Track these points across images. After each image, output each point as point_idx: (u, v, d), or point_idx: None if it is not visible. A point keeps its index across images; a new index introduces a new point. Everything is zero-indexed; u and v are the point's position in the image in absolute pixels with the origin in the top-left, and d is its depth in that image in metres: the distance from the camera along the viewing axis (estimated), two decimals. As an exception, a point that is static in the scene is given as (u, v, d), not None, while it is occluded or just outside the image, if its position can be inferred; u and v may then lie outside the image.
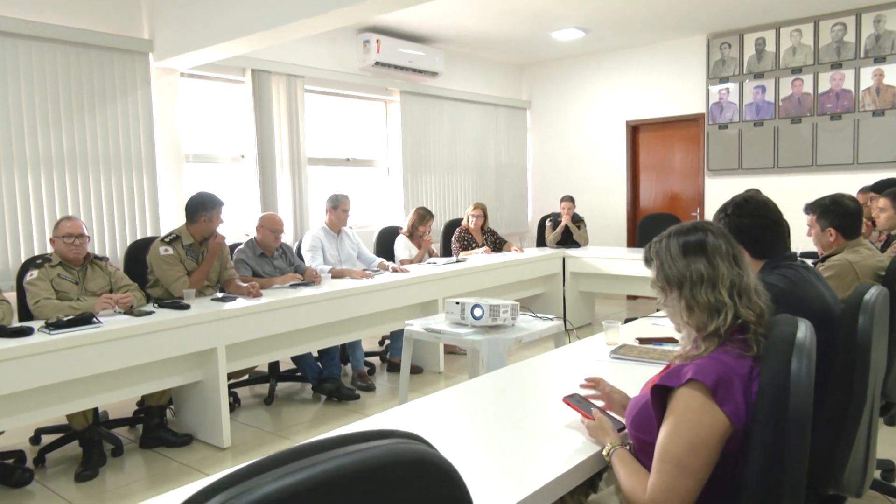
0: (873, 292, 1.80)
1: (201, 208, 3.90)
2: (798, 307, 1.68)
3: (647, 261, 1.50)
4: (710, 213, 7.13)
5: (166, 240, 3.83)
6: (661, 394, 1.35)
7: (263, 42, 4.52)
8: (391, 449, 0.69)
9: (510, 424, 1.74)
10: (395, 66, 6.50)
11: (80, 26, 4.47)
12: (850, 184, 5.81)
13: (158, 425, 3.61)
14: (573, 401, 1.71)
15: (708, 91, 7.07)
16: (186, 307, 3.49)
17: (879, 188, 4.31)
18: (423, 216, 5.52)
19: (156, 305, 3.54)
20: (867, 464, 1.91)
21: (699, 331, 1.39)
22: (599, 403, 1.72)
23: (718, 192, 7.09)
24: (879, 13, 6.04)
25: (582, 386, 1.78)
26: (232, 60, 5.24)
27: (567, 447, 1.54)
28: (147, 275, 3.86)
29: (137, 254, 4.04)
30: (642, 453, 1.42)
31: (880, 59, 6.08)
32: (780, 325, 1.32)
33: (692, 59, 7.16)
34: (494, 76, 8.14)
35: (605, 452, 1.47)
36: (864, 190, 4.72)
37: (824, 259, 2.77)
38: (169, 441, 3.57)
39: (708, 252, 1.40)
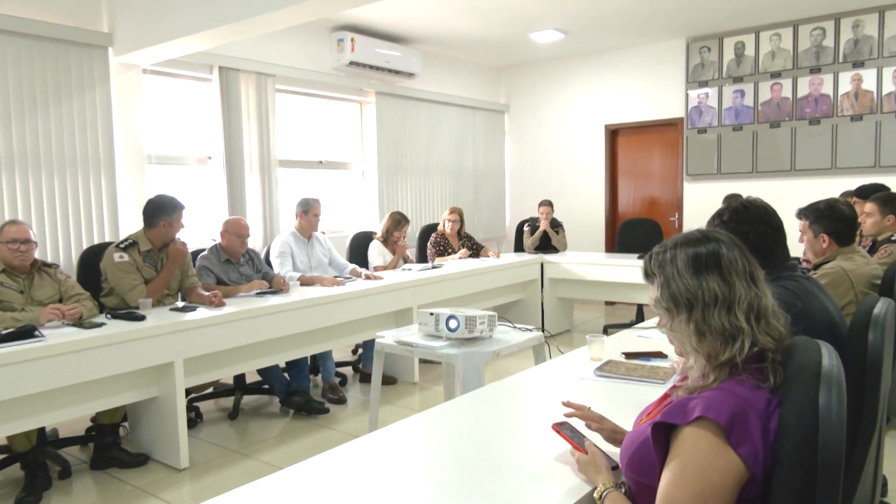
0: (882, 306, 1.66)
1: (161, 212, 3.66)
2: (802, 322, 1.53)
3: (648, 275, 1.29)
4: (688, 217, 7.05)
5: (122, 245, 3.59)
6: (664, 431, 1.17)
7: (229, 37, 4.30)
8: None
9: (489, 459, 1.55)
10: (371, 67, 6.31)
11: (33, 17, 4.21)
12: (828, 188, 5.75)
13: (111, 444, 3.36)
14: (564, 430, 1.51)
15: (687, 95, 6.99)
16: (142, 318, 3.25)
17: (863, 193, 4.23)
18: (399, 221, 5.33)
19: (109, 316, 3.30)
20: (875, 481, 1.77)
21: (710, 359, 1.19)
22: (589, 432, 1.53)
23: (697, 197, 7.01)
24: (858, 18, 6.00)
25: (566, 405, 1.58)
26: (198, 57, 5.00)
27: (555, 488, 1.35)
28: (101, 283, 3.61)
29: (93, 260, 3.78)
30: (640, 497, 1.23)
31: (859, 64, 6.04)
32: (801, 352, 1.14)
33: (671, 63, 7.08)
34: (472, 78, 7.98)
35: (596, 495, 1.28)
36: (846, 194, 4.65)
37: (817, 266, 2.64)
38: (122, 461, 3.32)
39: (723, 268, 1.21)
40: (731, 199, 5.74)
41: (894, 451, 3.20)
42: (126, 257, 3.56)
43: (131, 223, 4.67)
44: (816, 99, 6.28)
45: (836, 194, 4.62)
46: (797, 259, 3.87)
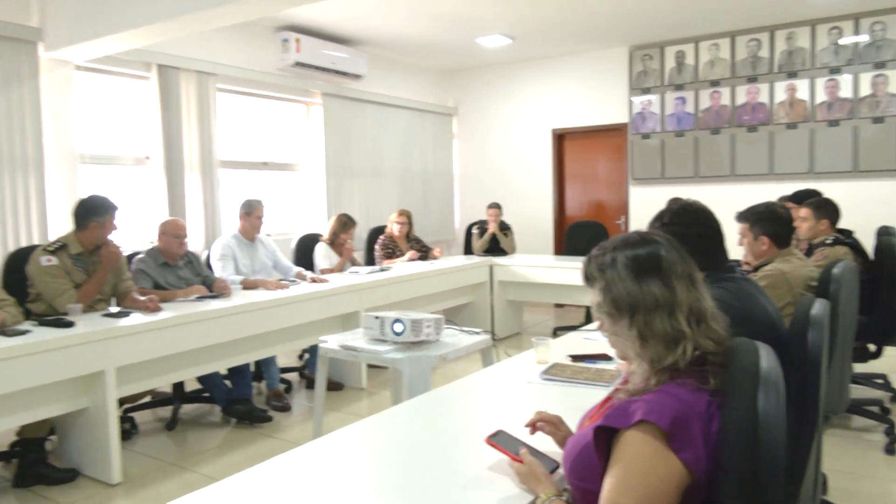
0: (819, 307, 1.69)
1: (92, 213, 3.49)
2: (743, 324, 1.54)
3: (589, 279, 1.26)
4: (634, 221, 7.18)
5: (50, 249, 3.40)
6: (605, 435, 1.14)
7: (167, 34, 4.15)
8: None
9: (430, 466, 1.51)
10: (317, 68, 6.20)
11: (-47, 8, 3.97)
12: (766, 193, 5.92)
13: (37, 460, 3.17)
14: (498, 441, 1.46)
15: (631, 101, 7.12)
16: (70, 324, 3.08)
17: (798, 198, 4.37)
18: (345, 223, 5.24)
19: (35, 323, 3.11)
20: (816, 479, 1.80)
21: (653, 364, 1.17)
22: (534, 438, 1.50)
23: (642, 201, 7.15)
24: (791, 30, 6.23)
25: (530, 424, 1.52)
26: (135, 54, 4.81)
27: (497, 496, 1.32)
28: (28, 288, 3.42)
29: (19, 264, 3.57)
30: (584, 503, 1.20)
31: (792, 75, 6.27)
32: (740, 354, 1.13)
33: (616, 70, 7.21)
34: (420, 81, 7.95)
35: (536, 504, 1.25)
36: (783, 199, 4.79)
37: (757, 269, 2.70)
38: (49, 478, 3.14)
39: (664, 271, 1.19)
40: (674, 203, 5.82)
41: (832, 450, 3.31)
42: (54, 261, 3.38)
43: (62, 225, 4.45)
44: (754, 107, 6.49)
45: (773, 199, 4.76)
46: (736, 262, 3.98)
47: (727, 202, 4.19)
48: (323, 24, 5.98)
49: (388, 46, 6.95)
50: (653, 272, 1.19)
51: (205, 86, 5.42)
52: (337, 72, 6.41)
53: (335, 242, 5.24)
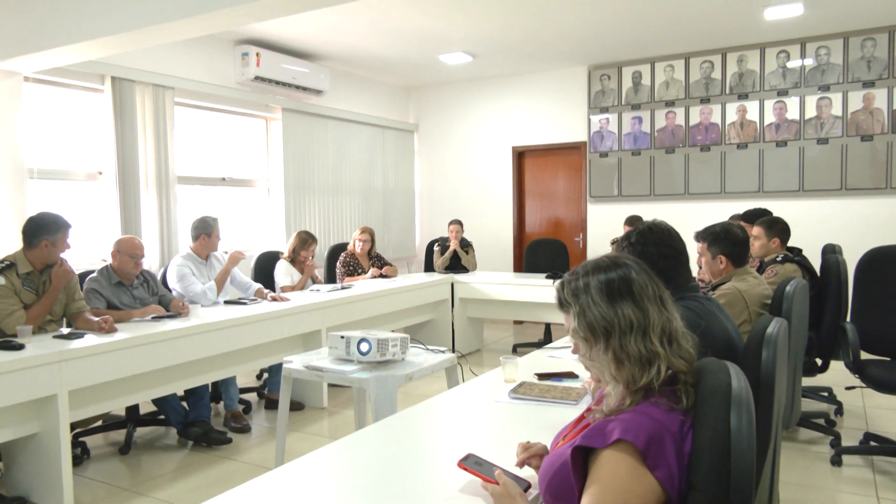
0: (775, 325, 1.75)
1: (42, 231, 3.37)
2: (705, 343, 1.59)
3: (563, 304, 1.28)
4: (592, 238, 7.30)
5: (-3, 268, 3.27)
6: (582, 454, 1.16)
7: (122, 46, 4.06)
8: None
9: (401, 490, 1.50)
10: (277, 82, 6.15)
11: None
12: (718, 212, 6.13)
13: (-19, 489, 3.03)
14: (469, 464, 1.46)
15: (589, 120, 7.27)
16: (20, 347, 2.96)
17: (750, 217, 4.52)
18: (305, 240, 5.19)
19: (-19, 345, 2.98)
20: (772, 494, 1.85)
21: (628, 386, 1.20)
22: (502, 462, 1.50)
23: (600, 218, 7.28)
24: (742, 53, 6.47)
25: (520, 464, 1.49)
26: (88, 66, 4.69)
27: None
28: (-28, 309, 3.27)
29: (-38, 284, 3.42)
30: (560, 524, 1.21)
31: (743, 96, 6.50)
32: (711, 374, 1.16)
33: (575, 89, 7.35)
34: (381, 97, 7.96)
35: (512, 525, 1.25)
36: (734, 218, 4.94)
37: (714, 287, 2.78)
38: (-6, 507, 3.00)
39: (635, 294, 1.22)
40: (633, 221, 5.96)
41: (782, 462, 3.40)
42: (2, 280, 3.24)
43: (8, 243, 4.28)
44: (707, 127, 6.69)
45: (725, 217, 4.92)
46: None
47: (681, 220, 4.31)
48: (284, 38, 5.95)
49: (349, 62, 6.95)
50: (625, 295, 1.22)
51: (161, 99, 5.32)
52: (297, 87, 6.37)
53: (295, 260, 5.18)
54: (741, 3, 5.18)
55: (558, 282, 1.30)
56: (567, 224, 7.71)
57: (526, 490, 1.36)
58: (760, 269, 3.85)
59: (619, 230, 6.21)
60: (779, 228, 3.89)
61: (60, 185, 4.88)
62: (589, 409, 1.31)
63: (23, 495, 3.10)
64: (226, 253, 4.69)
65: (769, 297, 2.71)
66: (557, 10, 5.31)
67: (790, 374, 2.56)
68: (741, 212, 4.95)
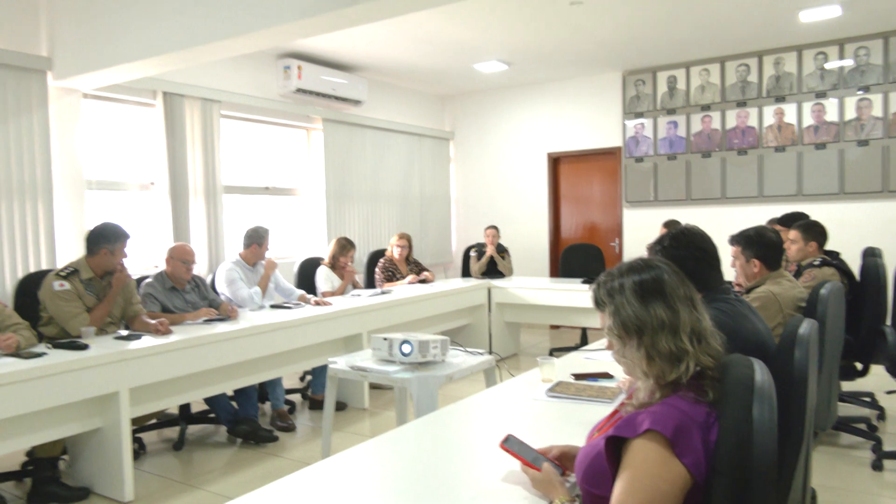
0: (807, 326, 1.80)
1: (102, 240, 3.58)
2: (736, 343, 1.66)
3: (599, 304, 1.38)
4: (628, 243, 7.32)
5: (62, 274, 3.50)
6: (615, 445, 1.25)
7: (175, 64, 4.28)
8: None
9: (441, 481, 1.59)
10: (318, 94, 6.35)
11: (-31, 40, 4.09)
12: (756, 215, 6.11)
13: (50, 479, 3.23)
14: (511, 446, 1.55)
15: (624, 125, 7.30)
16: (85, 347, 3.17)
17: (787, 221, 4.51)
18: (344, 246, 5.36)
19: (49, 346, 3.20)
20: (804, 496, 1.90)
21: (658, 380, 1.29)
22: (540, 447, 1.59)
23: (636, 223, 7.29)
24: (779, 56, 6.44)
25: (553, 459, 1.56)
26: (141, 82, 4.94)
27: (506, 502, 1.42)
28: (39, 312, 3.50)
29: (30, 289, 3.68)
30: (595, 508, 1.31)
31: (780, 99, 6.46)
32: (735, 368, 1.24)
33: (609, 95, 7.40)
34: (418, 106, 8.12)
35: (552, 509, 1.35)
36: (772, 221, 4.94)
37: (749, 290, 2.82)
38: (62, 497, 3.20)
39: (667, 295, 1.30)
40: (671, 224, 5.96)
41: (821, 466, 3.40)
42: (67, 285, 3.47)
43: (70, 250, 4.54)
44: (743, 130, 6.67)
45: (762, 221, 4.91)
46: (730, 283, 4.11)
47: (718, 224, 4.34)
48: (324, 51, 6.14)
49: (387, 72, 7.12)
50: (657, 296, 1.30)
51: (209, 112, 5.55)
52: (337, 98, 6.56)
53: (335, 266, 5.34)
54: (776, 5, 5.18)
55: (594, 282, 1.40)
56: (603, 229, 7.74)
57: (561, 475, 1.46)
58: (798, 273, 3.85)
59: (656, 234, 6.22)
60: (816, 232, 3.89)
61: (116, 196, 5.14)
62: (622, 404, 1.40)
63: (87, 486, 3.30)
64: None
65: (804, 299, 2.74)
66: (592, 17, 5.39)
67: (825, 376, 2.60)
68: (779, 215, 4.94)
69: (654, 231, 6.56)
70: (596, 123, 7.52)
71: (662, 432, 1.18)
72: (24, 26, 4.41)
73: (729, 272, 3.19)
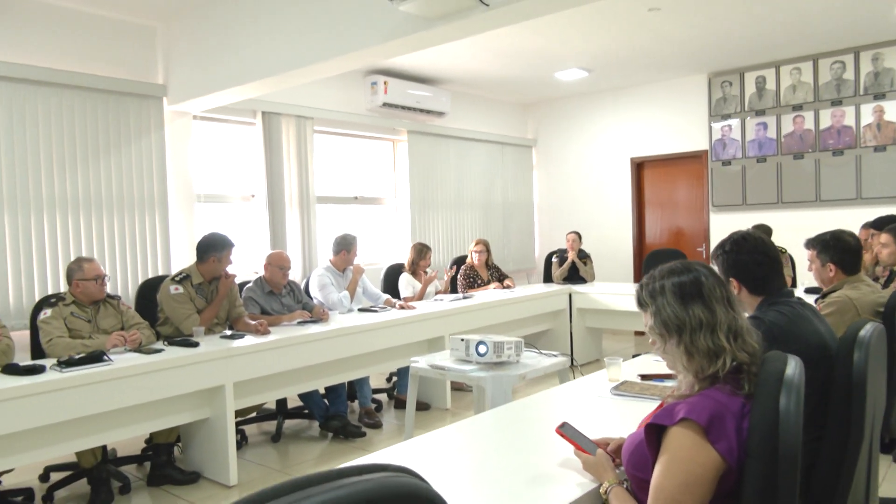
0: (868, 328, 1.83)
1: (211, 248, 3.97)
2: (795, 344, 1.72)
3: (642, 304, 1.49)
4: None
5: (177, 279, 3.91)
6: (655, 432, 1.36)
7: (274, 86, 4.66)
8: (382, 482, 0.73)
9: (507, 461, 1.76)
10: (403, 107, 6.65)
11: (98, 73, 4.63)
12: (854, 218, 5.83)
13: (166, 463, 3.62)
14: (566, 431, 1.69)
15: (710, 128, 7.16)
16: (195, 345, 3.54)
17: (879, 225, 4.34)
18: (421, 250, 5.59)
19: (165, 343, 3.59)
20: (869, 495, 1.91)
21: (697, 375, 1.39)
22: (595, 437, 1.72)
23: (724, 227, 7.11)
24: (877, 51, 6.14)
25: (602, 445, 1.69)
26: (243, 103, 5.39)
27: (563, 485, 1.55)
28: (157, 313, 3.93)
29: (149, 292, 4.11)
30: (640, 491, 1.42)
31: (880, 96, 6.16)
32: (770, 363, 1.34)
33: (694, 97, 7.28)
34: (500, 115, 8.29)
35: (602, 490, 1.48)
36: (865, 226, 4.75)
37: (825, 295, 2.80)
38: (176, 479, 3.58)
39: (705, 296, 1.40)
40: (759, 228, 5.78)
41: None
42: (181, 289, 3.87)
43: (182, 257, 5.02)
44: (839, 130, 6.40)
45: (861, 223, 4.75)
46: (816, 288, 4.01)
47: (812, 228, 4.21)
48: (408, 66, 6.43)
49: (469, 84, 7.34)
50: (696, 297, 1.41)
51: (303, 128, 5.96)
52: (421, 110, 6.84)
53: (416, 271, 5.58)
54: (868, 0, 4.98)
55: (638, 284, 1.52)
56: (689, 233, 7.61)
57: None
58: (891, 279, 3.72)
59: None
60: (909, 235, 3.73)
61: (221, 207, 5.61)
62: (668, 396, 1.51)
63: (197, 470, 3.68)
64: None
65: (883, 304, 2.69)
66: (671, 22, 5.37)
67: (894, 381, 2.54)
68: (873, 219, 4.74)
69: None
70: (680, 127, 7.41)
71: (697, 420, 1.29)
72: (143, 58, 4.94)
73: (807, 276, 3.15)
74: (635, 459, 1.43)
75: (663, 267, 1.50)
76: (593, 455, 1.58)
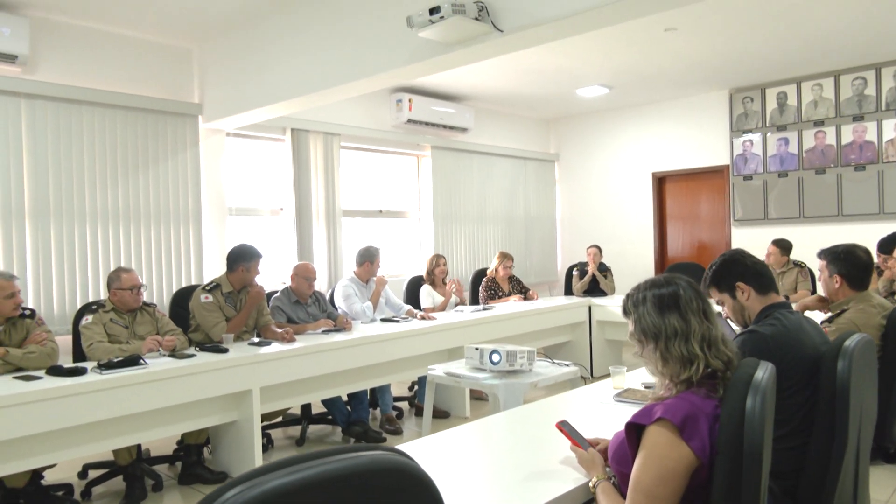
0: (854, 339, 1.93)
1: (240, 259, 4.18)
2: (792, 351, 1.85)
3: (626, 312, 1.64)
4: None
5: (207, 288, 4.12)
6: (634, 430, 1.49)
7: (302, 105, 4.88)
8: (373, 458, 0.87)
9: (509, 459, 1.91)
10: (427, 123, 6.84)
11: (139, 93, 4.91)
12: (877, 233, 5.78)
13: (196, 463, 3.81)
14: (565, 427, 1.83)
15: (732, 143, 7.21)
16: (225, 351, 3.73)
17: (884, 247, 4.36)
18: (434, 259, 5.76)
19: (197, 349, 3.79)
20: (856, 500, 1.99)
21: (672, 378, 1.53)
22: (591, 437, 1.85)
23: (746, 242, 7.13)
24: (899, 67, 6.16)
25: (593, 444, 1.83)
26: (274, 121, 5.63)
27: (558, 479, 1.69)
28: (189, 320, 4.14)
29: (182, 300, 4.32)
30: (623, 485, 1.54)
31: (902, 112, 6.17)
32: (742, 368, 1.47)
33: (715, 113, 7.34)
34: (522, 131, 8.44)
35: (591, 484, 1.61)
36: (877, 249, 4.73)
37: (831, 319, 2.86)
38: (205, 478, 3.77)
39: (681, 308, 1.53)
40: (779, 243, 5.75)
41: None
42: (211, 298, 4.08)
43: (214, 268, 5.25)
44: (861, 146, 6.41)
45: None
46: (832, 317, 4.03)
47: (834, 242, 4.25)
48: (433, 84, 6.63)
49: (492, 100, 7.51)
50: (673, 308, 1.55)
51: (330, 144, 6.18)
52: (445, 126, 7.03)
53: (435, 281, 5.73)
54: (888, 16, 5.03)
55: (625, 294, 1.66)
56: (711, 247, 7.64)
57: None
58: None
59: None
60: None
61: (251, 220, 5.85)
62: (649, 398, 1.64)
63: (225, 471, 3.86)
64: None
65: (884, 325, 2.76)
66: (688, 42, 5.48)
67: (886, 393, 2.60)
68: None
69: (766, 248, 6.44)
70: (702, 142, 7.48)
71: (672, 420, 1.42)
72: (180, 79, 5.21)
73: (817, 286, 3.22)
74: (618, 456, 1.56)
75: (648, 280, 1.63)
76: (587, 451, 1.71)
